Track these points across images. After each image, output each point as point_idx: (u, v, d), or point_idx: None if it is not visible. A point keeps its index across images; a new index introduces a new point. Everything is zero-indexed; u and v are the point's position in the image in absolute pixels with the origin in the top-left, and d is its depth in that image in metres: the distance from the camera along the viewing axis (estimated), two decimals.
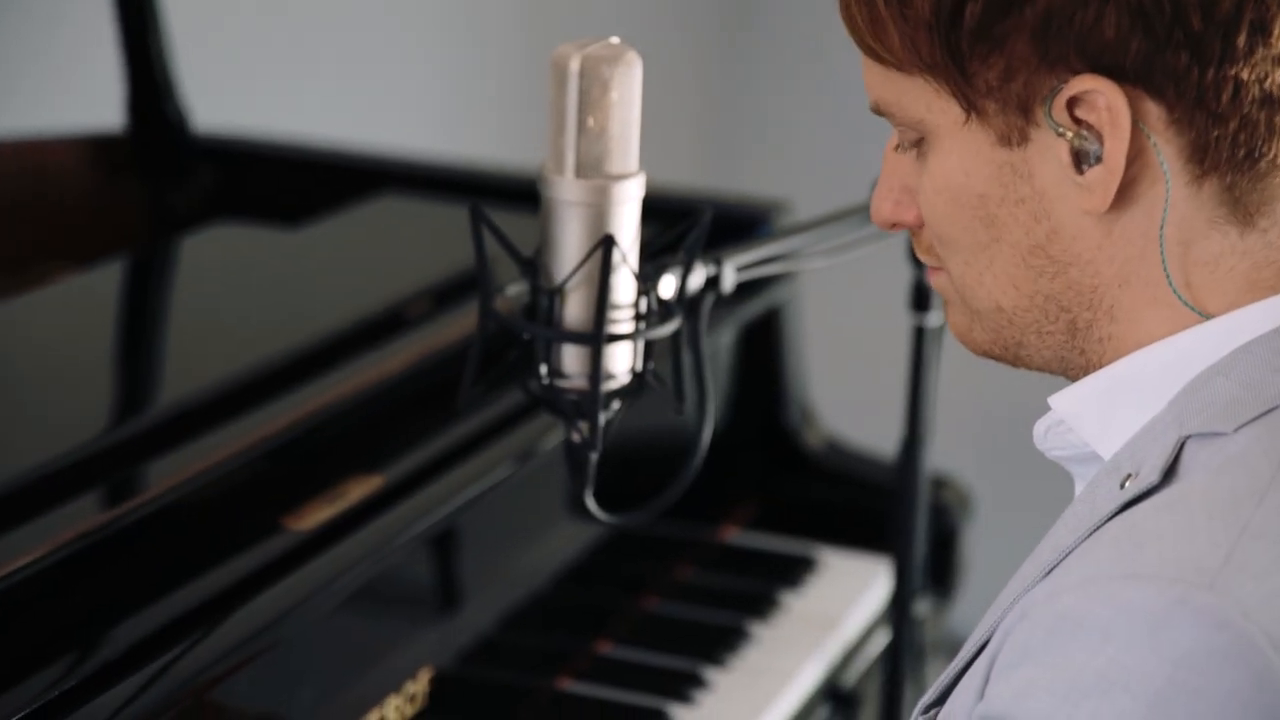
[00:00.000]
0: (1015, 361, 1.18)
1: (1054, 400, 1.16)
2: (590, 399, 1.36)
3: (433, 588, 1.65)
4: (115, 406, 1.59)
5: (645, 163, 1.35)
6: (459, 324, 1.76)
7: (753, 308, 2.10)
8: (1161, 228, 1.08)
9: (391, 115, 2.76)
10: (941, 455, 2.14)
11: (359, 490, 1.55)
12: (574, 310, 1.36)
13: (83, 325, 1.73)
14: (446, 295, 1.83)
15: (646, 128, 1.34)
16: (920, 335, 1.82)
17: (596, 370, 1.35)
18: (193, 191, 2.25)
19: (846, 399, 2.62)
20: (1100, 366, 1.13)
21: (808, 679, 1.89)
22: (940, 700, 1.16)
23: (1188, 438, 1.07)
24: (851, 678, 1.95)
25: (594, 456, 1.39)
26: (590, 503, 1.42)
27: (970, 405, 2.62)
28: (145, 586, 1.40)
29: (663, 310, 1.41)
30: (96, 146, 2.19)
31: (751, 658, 1.89)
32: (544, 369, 1.37)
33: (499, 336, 1.40)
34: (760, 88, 3.45)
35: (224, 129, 2.27)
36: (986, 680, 1.06)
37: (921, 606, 1.89)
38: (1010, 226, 1.11)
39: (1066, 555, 1.08)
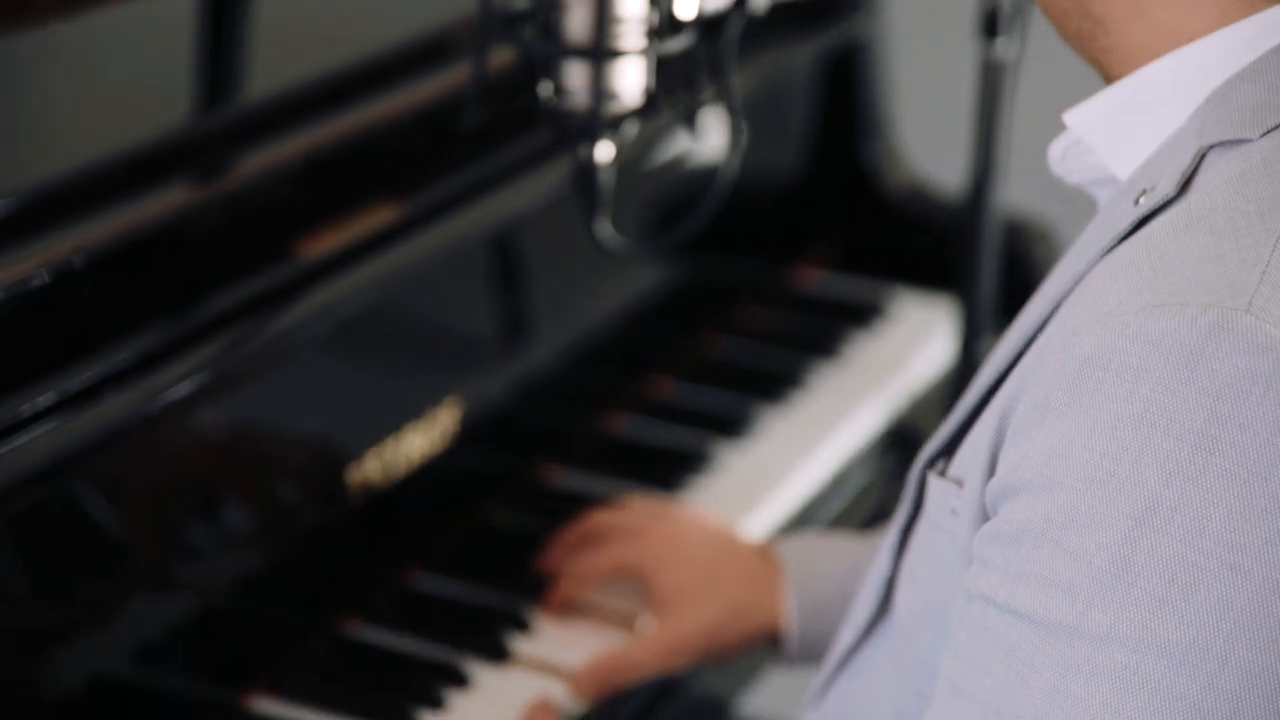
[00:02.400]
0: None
1: (1069, 117, 1.09)
2: (592, 117, 1.31)
3: (470, 322, 1.62)
4: (143, 122, 1.55)
5: None
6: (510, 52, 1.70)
7: (830, 39, 2.01)
8: None
9: None
10: (1030, 199, 2.06)
11: (382, 216, 1.51)
12: (577, 24, 1.30)
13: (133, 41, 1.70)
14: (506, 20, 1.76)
15: None
16: (988, 65, 1.73)
17: (598, 86, 1.30)
18: None
19: (933, 141, 2.53)
20: (1118, 79, 1.06)
21: (868, 419, 1.84)
22: (946, 451, 1.11)
23: (1209, 148, 0.99)
24: (917, 419, 1.90)
25: (601, 179, 1.34)
26: (601, 230, 1.37)
27: None
28: (174, 292, 1.38)
29: (678, 28, 1.35)
30: None
31: (811, 398, 1.85)
32: (549, 86, 1.32)
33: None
34: None
35: None
36: (999, 437, 1.00)
37: (990, 347, 1.82)
38: None
39: (1077, 283, 1.02)
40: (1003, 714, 0.92)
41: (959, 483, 1.06)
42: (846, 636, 1.20)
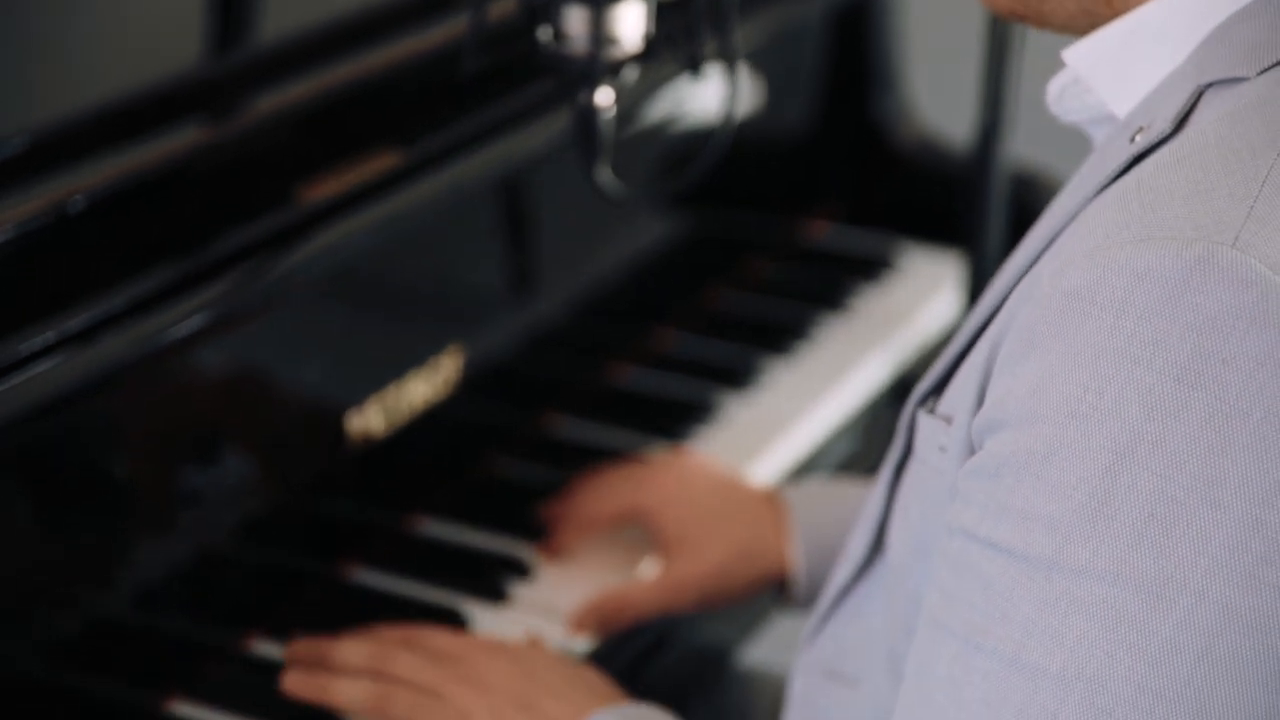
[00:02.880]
0: (1040, 22, 1.10)
1: (1068, 54, 1.08)
2: (591, 62, 1.31)
3: (475, 269, 1.63)
4: (149, 63, 1.56)
5: None
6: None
7: None
8: None
9: None
10: (1038, 152, 2.06)
11: (387, 161, 1.52)
12: None
13: None
14: None
15: None
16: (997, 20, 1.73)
17: (598, 31, 1.30)
18: None
19: (941, 94, 2.52)
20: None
21: (874, 372, 1.84)
22: (937, 389, 1.12)
23: (1206, 86, 0.99)
24: (924, 372, 1.89)
25: (600, 124, 1.35)
26: (601, 176, 1.37)
27: None
28: (179, 233, 1.38)
29: None
30: None
31: (818, 350, 1.85)
32: (549, 31, 1.33)
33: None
34: None
35: None
36: (987, 372, 1.01)
37: None
38: None
39: (1071, 219, 1.02)
40: (981, 647, 0.92)
41: (948, 419, 1.06)
42: (840, 576, 1.20)
